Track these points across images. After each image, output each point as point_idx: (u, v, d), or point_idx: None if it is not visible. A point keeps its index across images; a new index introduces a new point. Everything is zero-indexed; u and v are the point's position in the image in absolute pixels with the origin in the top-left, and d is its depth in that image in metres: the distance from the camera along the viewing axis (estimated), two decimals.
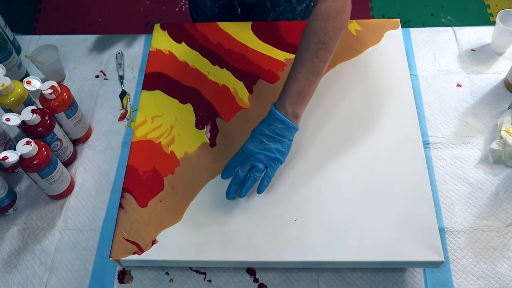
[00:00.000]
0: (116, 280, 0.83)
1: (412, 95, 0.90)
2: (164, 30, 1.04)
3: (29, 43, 1.18)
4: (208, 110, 0.91)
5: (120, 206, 0.81)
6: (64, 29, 2.13)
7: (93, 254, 0.86)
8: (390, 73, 0.94)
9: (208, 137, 0.88)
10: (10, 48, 1.04)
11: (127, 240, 0.77)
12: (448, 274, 0.81)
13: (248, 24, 1.04)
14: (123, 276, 0.83)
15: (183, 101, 0.93)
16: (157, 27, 1.05)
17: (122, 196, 0.82)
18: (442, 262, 0.73)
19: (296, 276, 0.81)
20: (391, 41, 0.99)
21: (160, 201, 0.81)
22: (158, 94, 0.94)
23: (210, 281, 0.81)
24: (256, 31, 1.02)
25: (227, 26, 1.04)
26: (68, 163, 0.96)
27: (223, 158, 0.84)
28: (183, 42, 1.01)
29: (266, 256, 0.75)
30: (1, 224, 0.91)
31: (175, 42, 1.01)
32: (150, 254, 0.76)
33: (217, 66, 0.97)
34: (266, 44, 1.00)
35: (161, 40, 1.02)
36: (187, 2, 2.19)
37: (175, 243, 0.77)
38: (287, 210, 0.79)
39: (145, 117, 0.91)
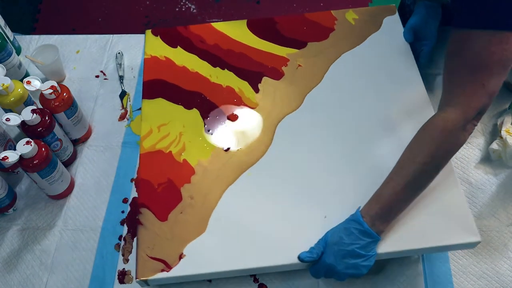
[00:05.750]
0: (116, 280, 0.83)
1: (420, 78, 0.89)
2: (157, 35, 1.01)
3: (29, 43, 1.18)
4: (216, 113, 0.89)
5: (138, 222, 0.76)
6: (64, 29, 2.13)
7: (93, 254, 0.86)
8: (394, 58, 0.93)
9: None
10: (10, 48, 1.04)
11: (152, 258, 0.73)
12: (448, 274, 0.81)
13: (243, 22, 1.02)
14: (123, 276, 0.83)
15: (188, 106, 0.90)
16: (148, 33, 1.02)
17: (139, 212, 0.78)
18: (479, 242, 0.71)
19: (296, 276, 0.81)
20: (391, 26, 0.98)
21: (181, 213, 0.77)
22: (161, 102, 0.91)
23: (210, 281, 0.81)
24: (252, 28, 1.01)
25: (221, 26, 1.02)
26: (68, 163, 0.96)
27: (239, 162, 0.82)
28: (178, 47, 0.98)
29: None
30: (1, 224, 0.91)
31: (170, 47, 0.99)
32: (179, 270, 0.72)
33: (218, 67, 0.95)
34: (265, 41, 0.98)
35: (155, 46, 0.99)
36: (187, 2, 2.19)
37: (204, 255, 0.73)
38: (313, 206, 0.76)
39: (151, 127, 0.87)
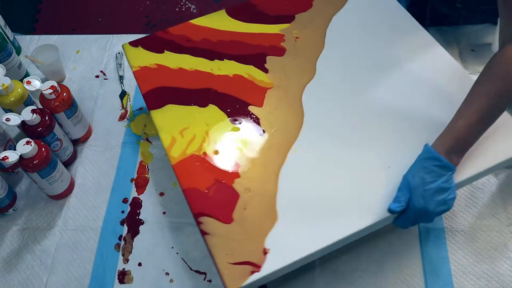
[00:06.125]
0: (116, 280, 0.83)
1: (417, 23, 0.92)
2: (137, 46, 0.94)
3: (29, 43, 1.18)
4: (235, 103, 0.85)
5: (203, 233, 0.70)
6: (64, 29, 2.13)
7: (93, 254, 0.86)
8: (383, 8, 0.95)
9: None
10: (10, 48, 1.04)
11: (235, 263, 0.67)
12: (448, 274, 0.81)
13: (223, 12, 0.99)
14: (123, 276, 0.83)
15: (203, 104, 0.85)
16: (127, 46, 0.94)
17: (199, 223, 0.71)
18: None
19: (296, 276, 0.81)
20: None
21: (244, 209, 0.72)
22: (172, 108, 0.85)
23: (210, 281, 0.81)
24: (234, 15, 0.98)
25: (202, 21, 0.97)
26: (68, 163, 0.96)
27: (280, 142, 0.80)
28: (165, 51, 0.92)
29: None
30: (1, 224, 0.91)
31: (156, 54, 0.92)
32: (270, 266, 0.66)
33: (216, 60, 0.91)
34: (252, 24, 0.96)
35: (139, 57, 0.92)
36: (187, 2, 2.19)
37: (289, 242, 0.68)
38: (372, 161, 0.75)
39: (172, 135, 0.81)
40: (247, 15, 0.98)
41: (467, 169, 0.73)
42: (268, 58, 0.91)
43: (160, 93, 0.88)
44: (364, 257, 0.83)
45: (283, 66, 0.90)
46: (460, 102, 0.72)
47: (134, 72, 0.91)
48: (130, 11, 2.20)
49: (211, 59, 0.92)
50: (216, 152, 0.79)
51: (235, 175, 0.76)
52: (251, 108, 0.84)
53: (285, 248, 0.68)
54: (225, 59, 0.92)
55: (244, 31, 0.96)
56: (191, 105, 0.85)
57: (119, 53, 1.13)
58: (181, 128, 0.82)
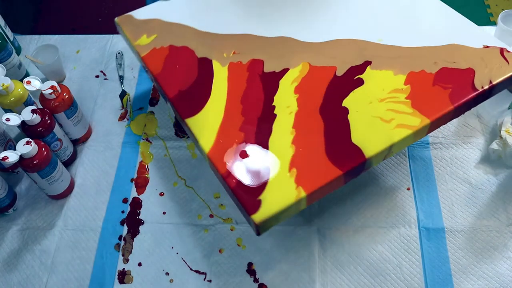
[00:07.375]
0: (116, 280, 0.83)
1: None
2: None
3: (29, 43, 1.18)
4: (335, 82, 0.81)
5: None
6: (64, 29, 2.13)
7: (93, 254, 0.86)
8: None
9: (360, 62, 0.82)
10: (10, 48, 1.04)
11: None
12: (448, 274, 0.81)
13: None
14: (123, 276, 0.83)
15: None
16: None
17: None
18: None
19: (296, 276, 0.81)
20: None
21: None
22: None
23: (210, 281, 0.82)
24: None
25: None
26: (68, 163, 0.96)
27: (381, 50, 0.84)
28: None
29: None
30: (1, 224, 0.91)
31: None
32: None
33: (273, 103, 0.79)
34: (212, 100, 0.79)
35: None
36: None
37: None
38: None
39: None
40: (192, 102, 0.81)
41: None
42: (265, 69, 0.83)
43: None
44: (364, 257, 0.83)
45: (275, 57, 0.84)
46: None
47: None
48: (130, 11, 2.20)
49: (271, 105, 0.79)
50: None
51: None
52: (336, 71, 0.82)
53: None
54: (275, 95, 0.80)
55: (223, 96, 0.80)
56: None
57: (119, 53, 1.13)
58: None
